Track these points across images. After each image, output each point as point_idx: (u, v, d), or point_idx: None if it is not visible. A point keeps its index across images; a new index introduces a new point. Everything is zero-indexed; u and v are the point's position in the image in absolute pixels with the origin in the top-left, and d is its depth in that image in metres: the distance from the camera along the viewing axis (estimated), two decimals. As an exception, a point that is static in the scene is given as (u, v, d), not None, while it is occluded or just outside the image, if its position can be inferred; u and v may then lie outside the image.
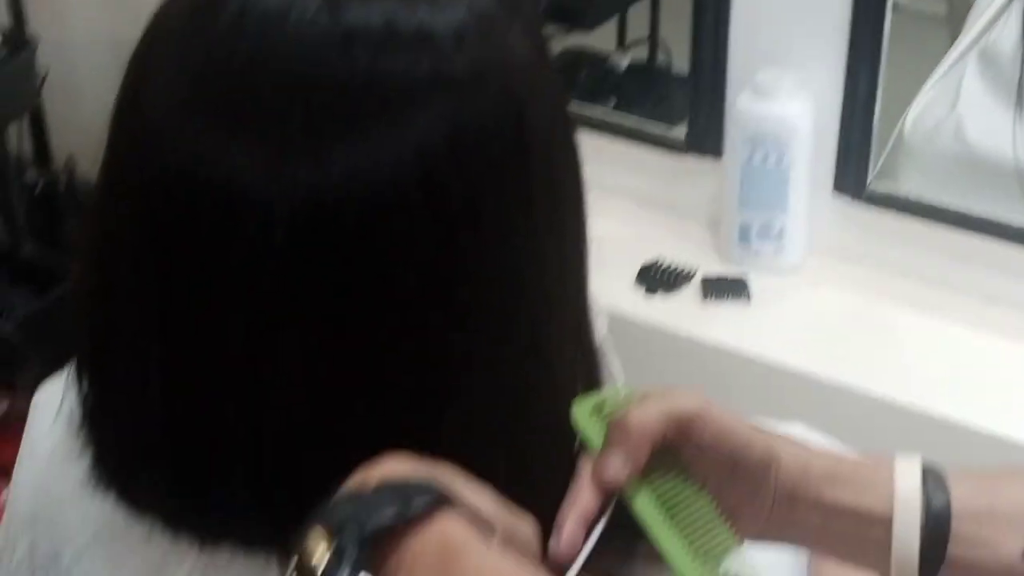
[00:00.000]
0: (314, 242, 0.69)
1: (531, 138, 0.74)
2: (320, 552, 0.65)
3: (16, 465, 0.92)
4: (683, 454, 0.81)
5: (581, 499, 0.78)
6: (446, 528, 0.67)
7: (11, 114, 2.10)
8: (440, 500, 0.68)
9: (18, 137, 2.24)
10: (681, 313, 1.69)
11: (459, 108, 0.71)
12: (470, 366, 0.73)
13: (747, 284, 1.72)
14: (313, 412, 0.72)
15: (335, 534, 0.65)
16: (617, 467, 0.78)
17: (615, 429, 0.79)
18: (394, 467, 0.69)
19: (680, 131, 1.81)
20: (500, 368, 0.74)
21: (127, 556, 0.82)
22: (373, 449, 0.71)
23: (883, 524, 0.81)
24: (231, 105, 0.70)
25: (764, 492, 0.82)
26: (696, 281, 1.73)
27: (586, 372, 0.82)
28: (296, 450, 0.72)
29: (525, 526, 0.74)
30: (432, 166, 0.70)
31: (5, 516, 0.94)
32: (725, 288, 1.71)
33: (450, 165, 0.70)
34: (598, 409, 0.81)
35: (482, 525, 0.69)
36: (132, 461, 0.78)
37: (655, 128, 1.83)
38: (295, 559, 0.67)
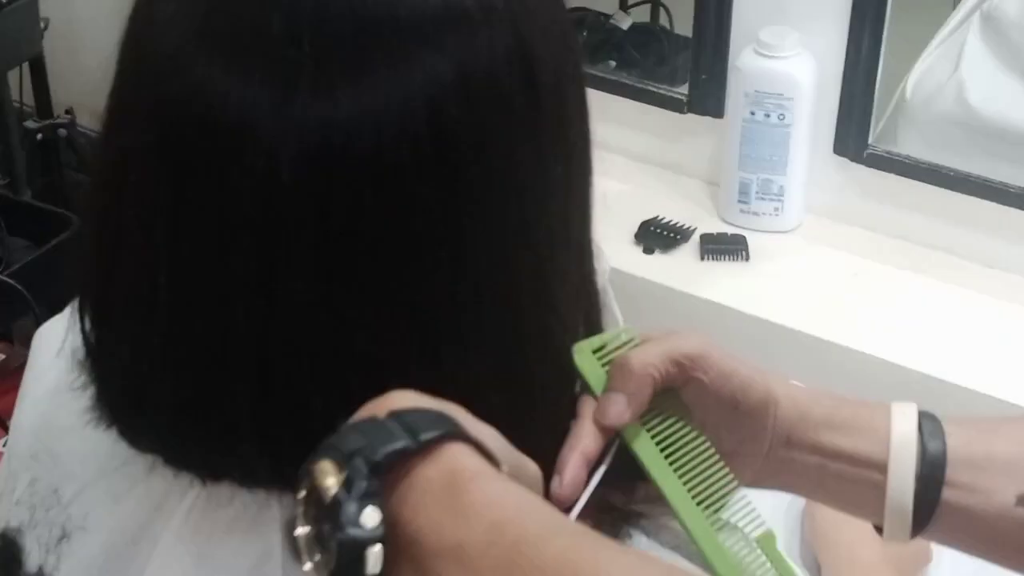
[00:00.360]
0: (321, 179, 0.69)
1: (541, 77, 0.73)
2: (329, 482, 0.65)
3: (16, 405, 0.92)
4: (684, 396, 0.81)
5: (583, 440, 0.78)
6: (455, 457, 0.67)
7: (12, 62, 2.10)
8: (449, 432, 0.68)
9: (19, 86, 2.24)
10: (679, 271, 1.69)
11: (469, 46, 0.70)
12: (475, 304, 0.73)
13: (745, 243, 1.72)
14: (318, 348, 0.72)
15: (344, 464, 0.65)
16: (619, 408, 0.78)
17: (617, 370, 0.79)
18: (402, 400, 0.69)
19: (682, 91, 1.80)
20: (504, 306, 0.75)
21: (128, 491, 0.82)
22: (377, 387, 0.71)
23: (878, 469, 0.82)
24: (240, 40, 0.70)
25: (762, 434, 0.82)
26: (695, 239, 1.74)
27: (588, 314, 0.82)
28: (300, 387, 0.73)
29: (531, 466, 0.74)
30: (441, 104, 0.69)
31: (5, 454, 0.94)
32: (723, 246, 1.72)
33: (459, 103, 0.70)
34: (599, 351, 0.81)
35: (490, 458, 0.69)
36: (134, 397, 0.78)
37: (657, 88, 1.83)
38: (304, 489, 0.66)
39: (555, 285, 0.77)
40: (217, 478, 0.77)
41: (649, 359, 0.79)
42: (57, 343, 0.83)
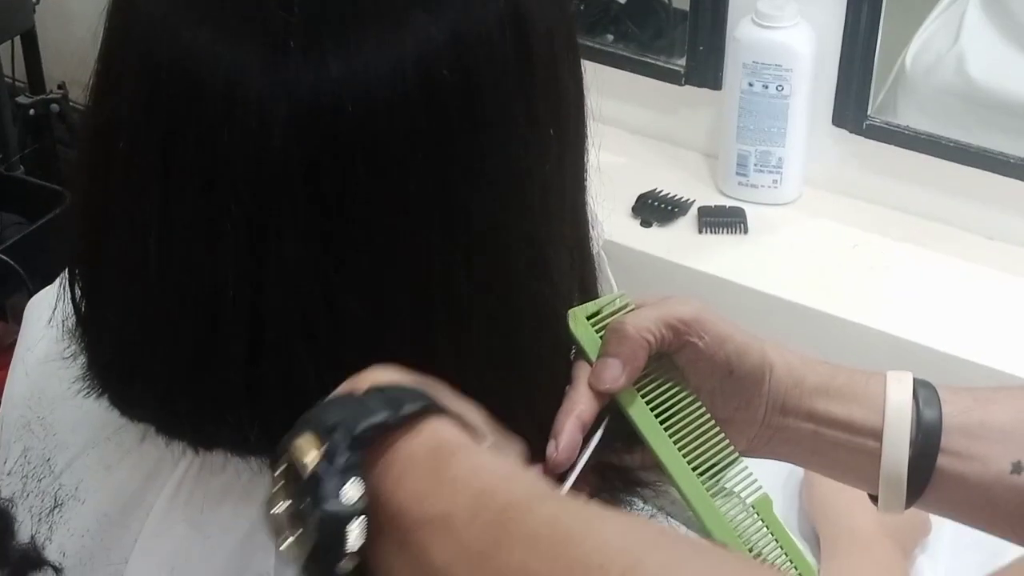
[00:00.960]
0: (312, 142, 0.68)
1: (534, 40, 0.72)
2: (309, 457, 0.64)
3: (8, 375, 0.91)
4: (679, 361, 0.80)
5: (577, 405, 0.77)
6: (438, 431, 0.66)
7: (3, 36, 2.08)
8: (431, 406, 0.67)
9: (11, 61, 2.23)
10: (677, 244, 1.68)
11: (462, 7, 0.69)
12: (467, 268, 0.72)
13: (744, 215, 1.71)
14: (309, 314, 0.71)
15: (325, 437, 0.64)
16: (614, 373, 0.78)
17: (612, 335, 0.78)
18: (383, 375, 0.69)
19: (679, 63, 1.79)
20: (497, 270, 0.74)
21: (120, 460, 0.81)
22: (369, 353, 0.71)
23: (873, 436, 0.81)
24: (229, 2, 0.69)
25: (757, 401, 0.81)
26: (692, 212, 1.73)
27: (583, 281, 0.81)
28: (291, 353, 0.72)
29: (515, 442, 0.73)
30: (432, 65, 0.68)
31: (-3, 425, 0.93)
32: (722, 219, 1.71)
33: (451, 64, 0.69)
34: (594, 316, 0.80)
35: (472, 433, 0.68)
36: (125, 365, 0.77)
37: (654, 60, 1.82)
38: (282, 465, 0.66)
39: (549, 251, 0.76)
40: (209, 447, 0.77)
41: (644, 323, 0.78)
42: (48, 313, 0.82)
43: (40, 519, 0.84)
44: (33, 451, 0.86)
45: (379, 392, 0.67)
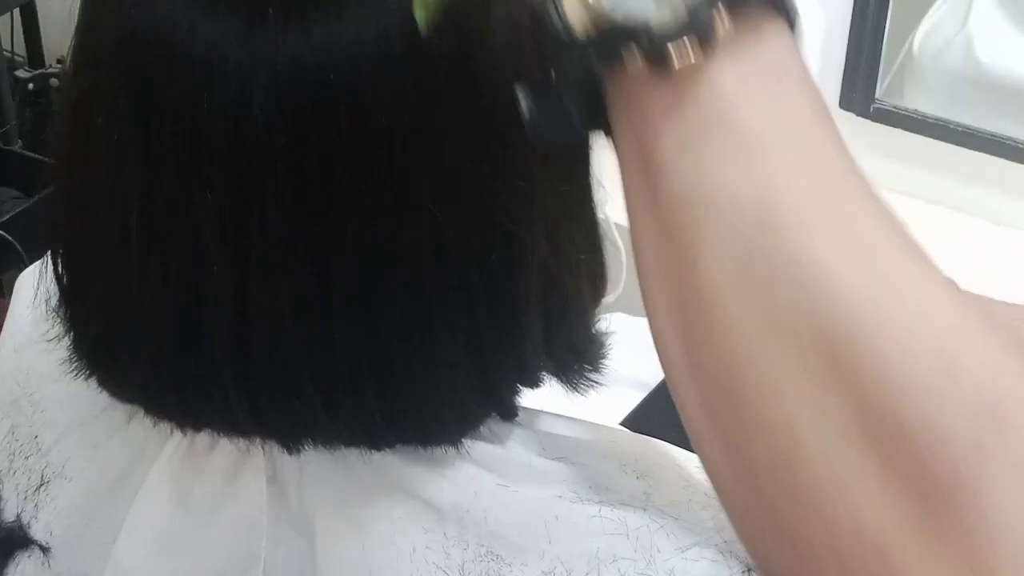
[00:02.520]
0: (295, 112, 0.66)
1: None
2: None
3: (-2, 352, 0.90)
4: None
5: None
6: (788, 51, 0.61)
7: (2, 9, 2.07)
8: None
9: (10, 35, 2.21)
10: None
11: None
12: (460, 236, 0.70)
13: (750, 198, 1.69)
14: (296, 288, 0.69)
15: None
16: None
17: None
18: None
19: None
20: (492, 239, 0.71)
21: (108, 439, 0.80)
22: (358, 327, 0.69)
23: None
24: None
25: None
26: (698, 195, 1.71)
27: (591, 246, 0.78)
28: (279, 328, 0.70)
29: None
30: (417, 30, 0.66)
31: (-14, 402, 0.92)
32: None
33: (437, 29, 0.67)
34: None
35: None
36: (110, 345, 0.75)
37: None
38: None
39: (546, 216, 0.73)
40: (197, 427, 0.75)
41: None
42: (35, 288, 0.81)
43: (26, 497, 0.83)
44: (21, 428, 0.84)
45: None
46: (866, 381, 0.56)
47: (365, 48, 0.66)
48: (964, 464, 0.54)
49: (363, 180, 0.68)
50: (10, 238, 1.91)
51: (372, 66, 0.66)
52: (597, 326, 0.79)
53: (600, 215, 0.78)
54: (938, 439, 0.55)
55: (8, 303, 1.84)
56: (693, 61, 0.58)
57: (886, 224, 0.60)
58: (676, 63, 0.58)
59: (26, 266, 0.92)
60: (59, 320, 0.77)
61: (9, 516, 0.84)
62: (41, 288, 0.78)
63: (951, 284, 0.59)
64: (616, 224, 0.79)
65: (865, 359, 0.56)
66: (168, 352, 0.72)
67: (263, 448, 0.75)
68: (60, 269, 0.76)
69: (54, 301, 0.78)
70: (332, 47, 0.66)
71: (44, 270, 0.77)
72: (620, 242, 0.83)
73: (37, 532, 0.82)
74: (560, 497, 0.72)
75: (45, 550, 0.82)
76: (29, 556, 0.82)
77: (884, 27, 1.64)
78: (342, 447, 0.73)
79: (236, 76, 0.66)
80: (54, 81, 2.21)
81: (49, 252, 0.77)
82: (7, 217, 1.96)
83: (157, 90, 0.68)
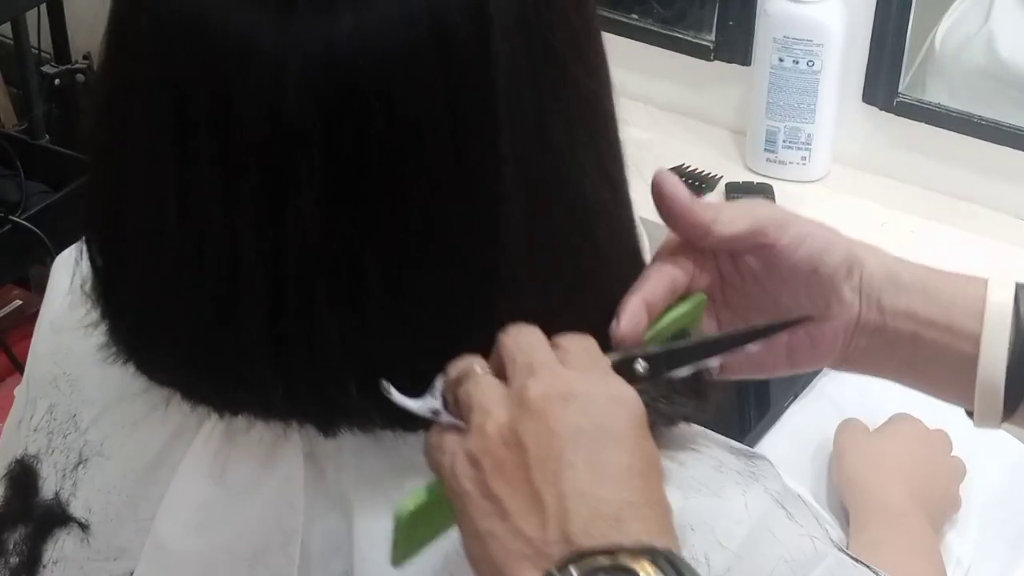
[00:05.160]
0: (327, 97, 0.67)
1: None
2: None
3: (35, 332, 0.91)
4: (754, 265, 0.80)
5: (645, 284, 0.76)
6: None
7: (29, 4, 2.08)
8: None
9: (37, 31, 2.22)
10: (704, 220, 1.67)
11: None
12: (489, 219, 0.71)
13: (772, 192, 1.69)
14: (330, 272, 0.70)
15: None
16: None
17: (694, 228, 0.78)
18: None
19: (708, 38, 1.78)
20: (521, 221, 0.72)
21: (146, 417, 0.81)
22: (392, 310, 0.70)
23: (971, 341, 0.79)
24: None
25: (849, 294, 0.80)
26: (720, 188, 1.71)
27: (625, 224, 0.79)
28: (313, 312, 0.71)
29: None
30: (445, 14, 0.67)
31: (24, 382, 0.93)
32: (750, 195, 1.69)
33: (465, 13, 0.68)
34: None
35: None
36: (147, 331, 0.76)
37: (683, 35, 1.81)
38: None
39: (557, 207, 0.74)
40: (234, 412, 0.76)
41: (726, 218, 0.78)
42: (73, 270, 0.82)
43: (65, 475, 0.84)
44: (59, 407, 0.85)
45: None
46: None
47: (394, 34, 0.67)
48: None
49: (395, 164, 0.69)
50: (38, 231, 1.92)
51: (400, 51, 0.67)
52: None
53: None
54: None
55: (34, 296, 1.85)
56: None
57: None
58: None
59: (53, 258, 0.93)
60: (95, 306, 0.78)
61: (48, 494, 0.84)
62: (77, 275, 0.79)
63: None
64: (641, 217, 0.80)
65: None
66: (204, 339, 0.73)
67: (299, 430, 0.76)
68: (96, 256, 0.77)
69: (88, 288, 0.78)
70: (362, 33, 0.67)
71: (80, 256, 0.78)
72: (645, 236, 0.84)
73: (76, 510, 0.83)
74: None
75: (84, 527, 0.83)
76: (68, 533, 0.83)
77: (907, 22, 1.64)
78: (377, 429, 0.74)
79: (269, 64, 0.67)
80: (80, 77, 2.22)
81: (84, 239, 0.78)
82: (34, 211, 1.97)
83: (191, 80, 0.69)
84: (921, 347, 0.80)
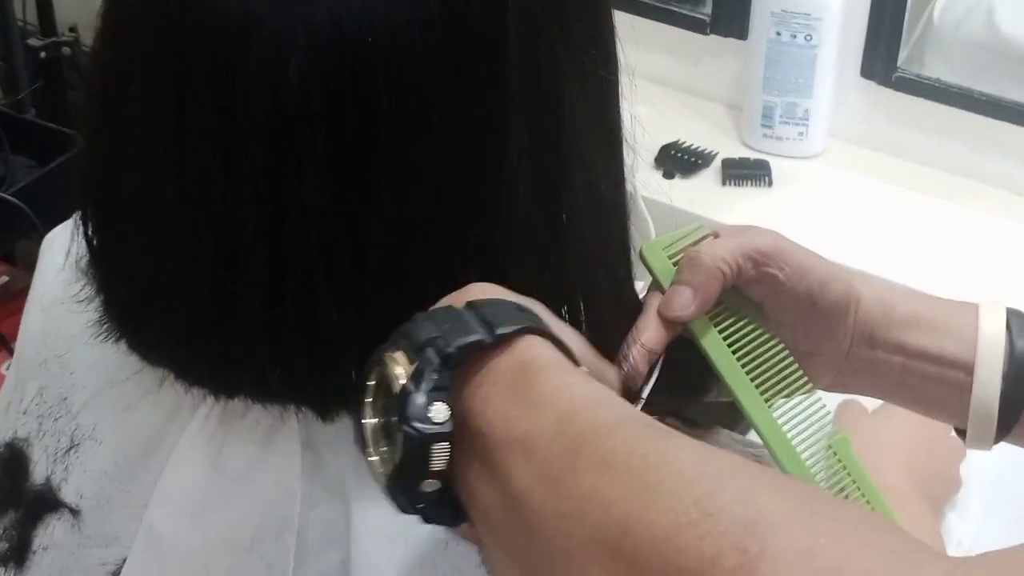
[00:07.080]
0: (332, 73, 0.66)
1: None
2: (399, 371, 0.62)
3: (24, 314, 0.89)
4: (757, 294, 0.78)
5: (644, 333, 0.76)
6: (530, 347, 0.64)
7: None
8: (528, 327, 0.64)
9: (22, 4, 2.19)
10: (700, 196, 1.66)
11: None
12: (496, 199, 0.69)
13: (768, 168, 1.68)
14: (331, 254, 0.68)
15: (416, 354, 0.62)
16: (684, 301, 0.76)
17: (685, 263, 0.77)
18: (483, 291, 0.66)
19: (704, 12, 1.76)
20: (527, 201, 0.71)
21: (139, 400, 0.79)
22: (393, 294, 0.69)
23: (964, 370, 0.79)
24: None
25: (842, 332, 0.80)
26: (716, 164, 1.70)
27: (620, 224, 0.78)
28: (313, 295, 0.69)
29: (610, 372, 0.72)
30: None
31: (13, 363, 0.91)
32: (746, 171, 1.68)
33: None
34: (670, 247, 0.78)
35: (568, 356, 0.65)
36: (142, 309, 0.75)
37: (678, 8, 1.79)
38: (373, 377, 0.64)
39: (573, 192, 0.73)
40: (230, 394, 0.74)
41: (719, 253, 0.76)
42: (64, 249, 0.80)
43: (56, 459, 0.82)
44: (49, 390, 0.84)
45: (477, 308, 0.64)
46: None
47: (402, 12, 0.65)
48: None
49: (399, 141, 0.67)
50: (23, 206, 1.89)
51: (409, 30, 0.66)
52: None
53: (628, 187, 0.78)
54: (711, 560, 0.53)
55: (20, 273, 1.83)
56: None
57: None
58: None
59: (40, 234, 0.91)
60: (89, 282, 0.77)
61: (39, 479, 0.83)
62: (72, 251, 0.77)
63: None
64: (643, 196, 0.79)
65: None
66: (200, 319, 0.72)
67: (296, 414, 0.74)
68: (91, 232, 0.75)
69: (84, 264, 0.77)
70: (370, 11, 0.65)
71: (75, 231, 0.76)
72: (647, 213, 0.83)
73: (67, 495, 0.81)
74: None
75: (75, 513, 0.81)
76: (59, 519, 0.82)
77: (906, -5, 1.63)
78: None
79: (273, 40, 0.65)
80: (66, 50, 2.19)
81: (78, 213, 0.76)
82: (21, 186, 1.94)
83: (193, 55, 0.67)
84: (911, 376, 0.81)
